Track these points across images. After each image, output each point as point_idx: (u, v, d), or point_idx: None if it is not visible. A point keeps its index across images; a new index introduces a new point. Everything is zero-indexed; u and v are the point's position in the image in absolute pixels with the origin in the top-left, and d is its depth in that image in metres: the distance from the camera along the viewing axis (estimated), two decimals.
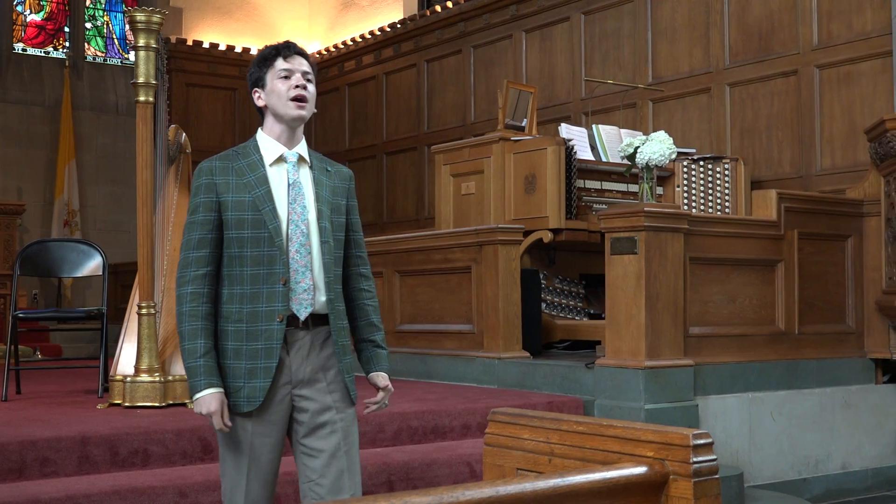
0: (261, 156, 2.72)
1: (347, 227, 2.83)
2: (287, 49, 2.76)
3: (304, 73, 2.75)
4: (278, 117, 2.74)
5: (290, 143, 2.75)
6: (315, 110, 2.83)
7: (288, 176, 2.71)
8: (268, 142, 2.75)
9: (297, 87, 2.71)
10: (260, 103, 2.77)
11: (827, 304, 5.80)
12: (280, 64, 2.73)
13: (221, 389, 2.62)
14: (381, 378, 2.86)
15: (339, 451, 2.69)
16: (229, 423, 2.62)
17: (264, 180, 2.68)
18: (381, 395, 2.86)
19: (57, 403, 5.06)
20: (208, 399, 2.61)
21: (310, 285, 2.68)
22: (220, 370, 2.65)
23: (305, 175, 2.75)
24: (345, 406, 2.73)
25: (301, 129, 2.79)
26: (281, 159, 2.73)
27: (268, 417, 2.67)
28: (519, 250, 5.94)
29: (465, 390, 5.59)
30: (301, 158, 2.76)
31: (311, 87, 2.76)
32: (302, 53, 2.79)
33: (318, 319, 2.71)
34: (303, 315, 2.67)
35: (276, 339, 2.63)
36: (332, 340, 2.73)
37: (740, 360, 5.35)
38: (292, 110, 2.72)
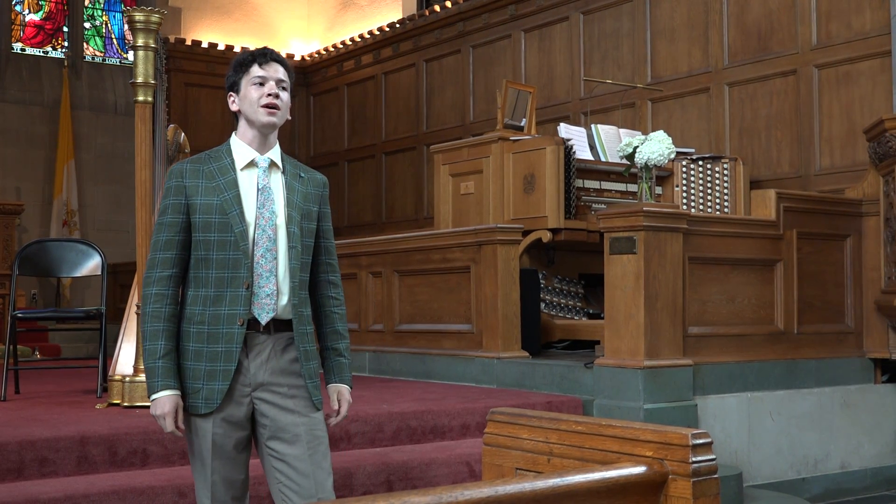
0: (232, 160, 2.74)
1: (318, 234, 2.84)
2: (263, 56, 2.77)
3: (279, 81, 2.76)
4: (250, 123, 2.76)
5: (262, 148, 2.77)
6: (289, 117, 2.84)
7: (258, 180, 2.73)
8: (240, 146, 2.77)
9: (269, 94, 2.73)
10: (234, 108, 2.80)
11: (826, 303, 5.80)
12: (255, 70, 2.75)
13: (177, 392, 2.65)
14: (340, 393, 2.85)
15: (303, 456, 2.69)
16: (182, 426, 2.66)
17: (234, 184, 2.70)
18: (341, 412, 2.85)
19: (56, 403, 5.06)
20: (163, 401, 2.64)
21: (273, 290, 2.69)
22: (179, 371, 2.68)
23: (277, 180, 2.76)
24: (308, 410, 2.73)
25: (274, 134, 2.81)
26: (252, 164, 2.75)
27: (228, 418, 2.69)
28: (518, 250, 5.93)
29: (464, 390, 5.59)
30: (273, 163, 2.77)
31: (285, 95, 2.78)
32: (279, 60, 2.80)
33: (280, 324, 2.72)
34: (264, 319, 2.69)
35: (235, 342, 2.65)
36: (294, 345, 2.73)
37: (739, 360, 5.35)
38: (263, 117, 2.73)
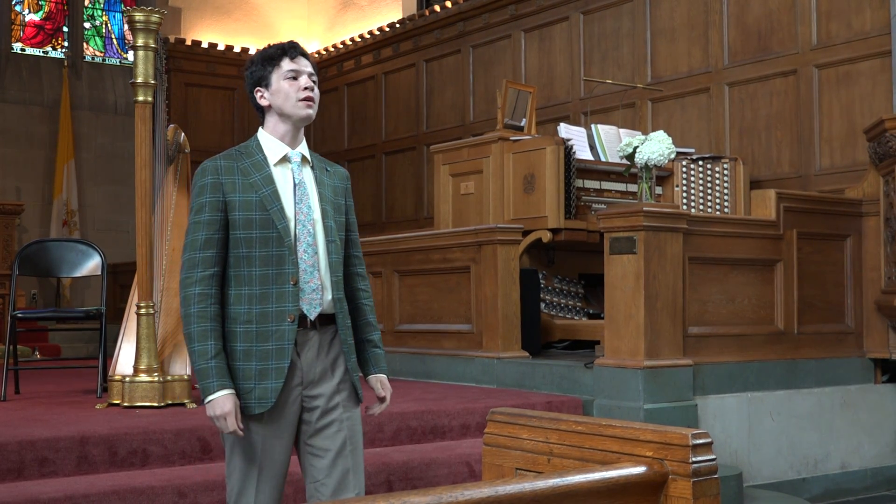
0: (264, 155, 2.71)
1: (346, 227, 2.83)
2: (293, 50, 2.76)
3: (310, 75, 2.75)
4: (285, 117, 2.73)
5: (293, 143, 2.75)
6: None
7: (293, 175, 2.71)
8: (271, 141, 2.74)
9: (305, 88, 2.72)
10: (263, 103, 2.75)
11: (826, 303, 5.80)
12: (287, 64, 2.73)
13: (234, 391, 2.59)
14: (382, 382, 2.86)
15: (345, 450, 2.68)
16: (242, 426, 2.59)
17: (270, 180, 2.67)
18: (386, 399, 2.86)
19: (56, 403, 5.06)
20: (222, 401, 2.57)
21: (318, 285, 2.67)
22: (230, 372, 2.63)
23: (308, 175, 2.75)
24: (351, 405, 2.74)
25: (303, 129, 2.79)
26: (285, 159, 2.72)
27: (279, 419, 2.65)
28: (518, 250, 5.93)
29: (464, 390, 5.59)
30: (304, 158, 2.76)
31: (316, 89, 2.78)
32: (305, 55, 2.79)
33: (325, 319, 2.71)
34: (312, 315, 2.66)
35: (287, 339, 2.62)
36: (339, 340, 2.73)
37: (739, 360, 5.35)
38: (302, 110, 2.71)
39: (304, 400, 2.68)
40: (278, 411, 2.64)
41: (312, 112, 2.74)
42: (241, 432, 2.59)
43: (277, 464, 2.68)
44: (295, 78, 2.72)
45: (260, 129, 2.79)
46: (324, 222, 2.71)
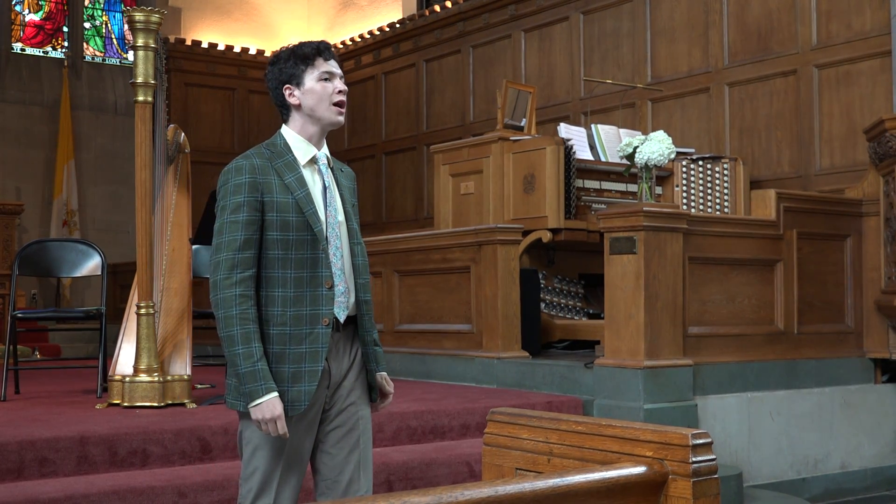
0: (294, 156, 2.67)
1: None
2: (328, 51, 2.72)
3: (342, 78, 2.73)
4: (314, 119, 2.69)
5: (319, 144, 2.72)
6: None
7: (323, 178, 2.69)
8: (299, 142, 2.69)
9: (340, 91, 2.69)
10: (293, 101, 2.69)
11: (826, 303, 5.80)
12: (322, 65, 2.68)
13: (279, 393, 2.55)
14: (386, 379, 2.85)
15: (356, 448, 2.69)
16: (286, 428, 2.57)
17: (303, 182, 2.64)
18: (389, 394, 2.86)
19: (56, 403, 5.06)
20: (271, 404, 2.52)
21: (346, 288, 2.66)
22: None
23: (331, 177, 2.73)
24: (364, 404, 2.74)
25: None
26: (313, 161, 2.69)
27: (306, 420, 2.64)
28: (518, 250, 5.93)
29: (464, 390, 5.59)
30: (328, 160, 2.74)
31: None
32: (335, 57, 2.76)
33: (349, 321, 2.71)
34: (342, 318, 2.65)
35: (321, 342, 2.60)
36: (357, 340, 2.73)
37: (739, 360, 5.35)
38: (334, 116, 2.69)
39: (328, 401, 2.69)
40: (308, 413, 2.63)
41: (342, 118, 2.72)
42: (287, 435, 2.56)
43: (301, 464, 2.68)
44: (328, 80, 2.68)
45: (284, 127, 2.73)
46: (348, 225, 2.70)
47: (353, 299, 2.69)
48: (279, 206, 2.59)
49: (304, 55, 2.70)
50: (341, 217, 2.69)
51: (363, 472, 2.71)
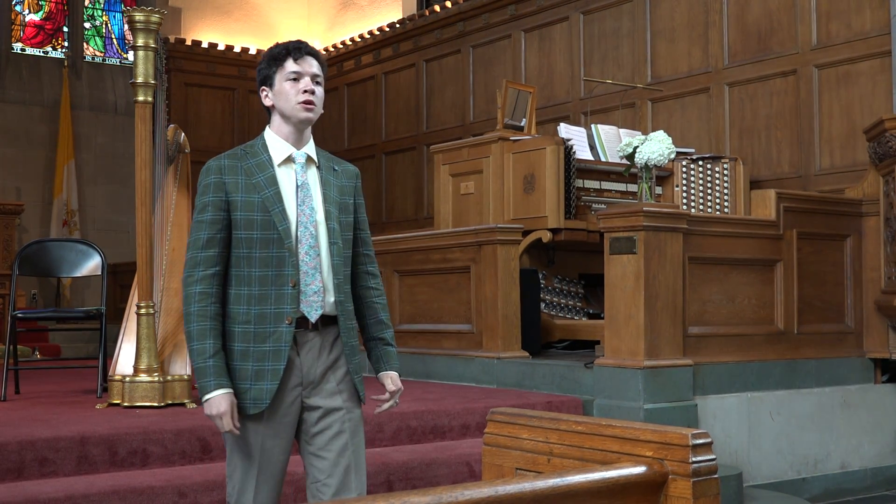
0: (269, 156, 2.71)
1: (355, 226, 2.82)
2: (297, 50, 2.73)
3: (314, 76, 2.73)
4: (286, 118, 2.72)
5: (298, 143, 2.74)
6: (322, 111, 2.82)
7: (297, 177, 2.70)
8: (276, 141, 2.73)
9: (305, 91, 2.70)
10: (267, 102, 2.75)
11: (826, 303, 5.80)
12: (290, 65, 2.71)
13: (231, 390, 2.60)
14: (392, 378, 2.85)
15: (346, 451, 2.69)
16: (238, 426, 2.61)
17: (273, 181, 2.67)
18: (393, 395, 2.85)
19: (56, 403, 5.06)
20: (218, 400, 2.58)
21: (319, 287, 2.67)
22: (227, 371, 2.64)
23: (313, 175, 2.74)
24: (353, 406, 2.73)
25: (309, 129, 2.78)
26: (289, 159, 2.72)
27: (277, 419, 2.66)
28: (518, 250, 5.93)
29: (464, 390, 5.59)
30: (309, 159, 2.75)
31: (319, 90, 2.75)
32: (313, 53, 2.76)
33: (327, 321, 2.70)
34: (313, 317, 2.66)
35: (284, 341, 2.62)
36: (340, 341, 2.73)
37: (739, 360, 5.35)
38: (300, 113, 2.70)
39: (304, 401, 2.68)
40: (276, 412, 2.64)
41: (312, 115, 2.72)
42: (236, 431, 2.60)
43: (276, 464, 2.68)
44: (296, 80, 2.71)
45: (267, 127, 2.78)
46: (327, 224, 2.70)
47: (330, 299, 2.70)
48: (243, 205, 2.63)
49: (274, 56, 2.75)
50: (319, 216, 2.70)
51: (355, 475, 2.70)
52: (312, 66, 2.74)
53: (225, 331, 2.65)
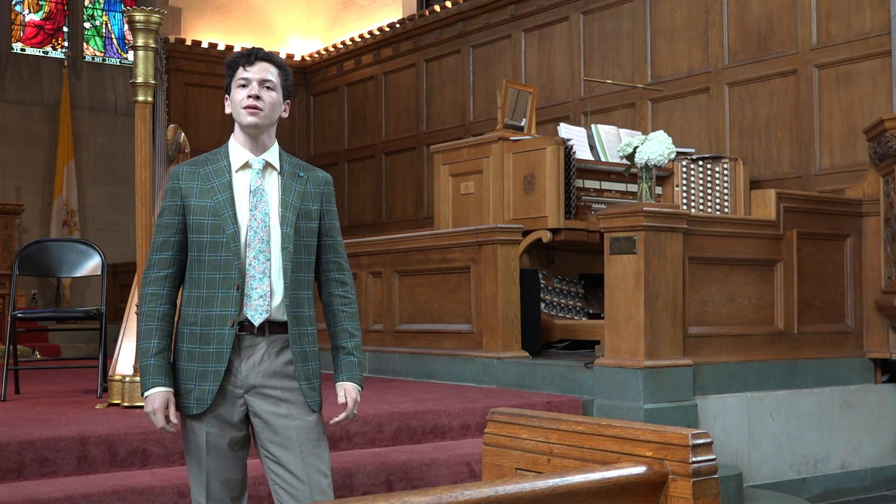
0: (229, 162, 2.76)
1: (321, 232, 2.81)
2: (247, 57, 2.75)
3: (263, 81, 2.73)
4: (239, 124, 2.77)
5: (255, 149, 2.76)
6: (285, 115, 2.82)
7: (251, 182, 2.73)
8: (236, 148, 2.78)
9: (249, 96, 2.72)
10: (227, 111, 2.81)
11: (826, 303, 5.80)
12: (240, 72, 2.75)
13: (168, 389, 2.67)
14: (346, 390, 2.81)
15: (296, 459, 2.69)
16: (174, 421, 2.67)
17: (227, 186, 2.72)
18: (347, 408, 2.82)
19: (56, 403, 5.06)
20: (153, 398, 2.66)
21: (266, 291, 2.69)
22: (174, 371, 2.71)
23: (272, 181, 2.76)
24: (302, 413, 2.71)
25: (270, 135, 2.79)
26: (246, 165, 2.76)
27: (221, 418, 2.70)
28: (518, 250, 5.93)
29: (464, 390, 5.59)
30: (268, 164, 2.77)
31: (269, 95, 2.74)
32: (267, 59, 2.77)
33: (275, 326, 2.71)
34: (257, 321, 2.69)
35: (226, 343, 2.67)
36: (289, 347, 2.72)
37: (739, 360, 5.35)
38: (244, 118, 2.73)
39: (248, 404, 2.71)
40: (219, 412, 2.70)
41: (256, 119, 2.72)
42: (170, 428, 2.68)
43: (225, 461, 2.72)
44: (244, 86, 2.74)
45: (231, 135, 2.82)
46: (281, 229, 2.72)
47: (277, 303, 2.70)
48: (196, 210, 2.70)
49: (229, 64, 2.80)
50: (273, 221, 2.72)
51: (308, 483, 2.68)
52: (263, 71, 2.74)
53: (177, 332, 2.73)
